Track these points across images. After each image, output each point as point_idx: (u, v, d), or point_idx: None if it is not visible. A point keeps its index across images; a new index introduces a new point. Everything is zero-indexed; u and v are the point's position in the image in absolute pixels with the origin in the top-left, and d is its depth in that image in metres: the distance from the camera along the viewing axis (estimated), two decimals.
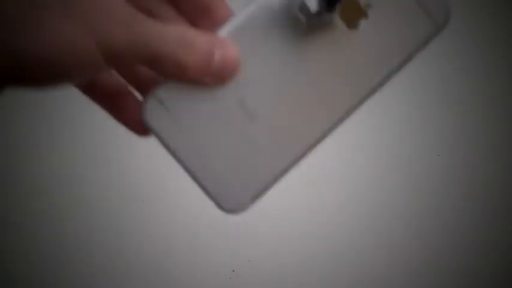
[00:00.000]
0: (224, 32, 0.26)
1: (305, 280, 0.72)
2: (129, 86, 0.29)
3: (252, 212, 0.72)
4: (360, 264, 0.73)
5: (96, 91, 0.28)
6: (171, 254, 0.71)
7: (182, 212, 0.71)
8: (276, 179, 0.28)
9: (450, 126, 0.74)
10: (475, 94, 0.74)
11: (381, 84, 0.27)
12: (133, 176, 0.71)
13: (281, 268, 0.72)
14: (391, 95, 0.73)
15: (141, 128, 0.27)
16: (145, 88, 0.28)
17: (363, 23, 0.27)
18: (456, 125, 0.74)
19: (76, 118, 0.70)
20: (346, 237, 0.72)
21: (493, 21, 0.74)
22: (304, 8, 0.26)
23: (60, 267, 0.70)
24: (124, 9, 0.23)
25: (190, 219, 0.71)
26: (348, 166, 0.73)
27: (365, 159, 0.73)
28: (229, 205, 0.28)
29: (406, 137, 0.73)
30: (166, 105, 0.26)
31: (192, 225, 0.71)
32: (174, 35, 0.24)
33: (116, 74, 0.29)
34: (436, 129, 0.74)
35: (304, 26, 0.26)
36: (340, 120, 0.27)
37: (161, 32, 0.23)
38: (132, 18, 0.23)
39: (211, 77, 0.25)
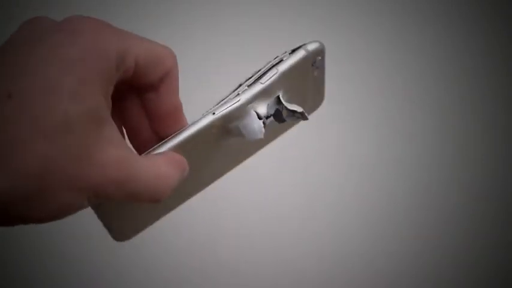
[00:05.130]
0: (175, 143, 0.29)
1: (305, 279, 0.72)
2: None
3: (253, 211, 0.72)
4: (360, 263, 0.73)
5: None
6: (171, 254, 0.71)
7: (183, 212, 0.71)
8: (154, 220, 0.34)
9: (450, 126, 0.74)
10: (475, 94, 0.74)
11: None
12: None
13: (281, 268, 0.72)
14: (391, 95, 0.73)
15: None
16: None
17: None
18: (457, 125, 0.74)
19: None
20: (346, 237, 0.73)
21: (493, 21, 0.74)
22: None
23: (59, 266, 0.70)
24: (117, 154, 0.24)
25: (190, 219, 0.71)
26: (347, 167, 0.73)
27: (364, 160, 0.73)
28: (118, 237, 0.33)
29: (406, 137, 0.74)
30: None
31: (192, 225, 0.71)
32: (153, 173, 0.26)
33: None
34: (435, 128, 0.74)
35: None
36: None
37: (143, 170, 0.26)
38: (124, 163, 0.24)
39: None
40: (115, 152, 0.24)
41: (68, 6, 0.69)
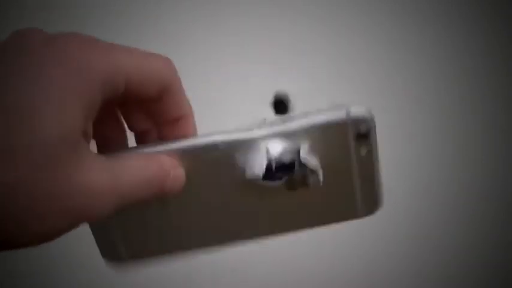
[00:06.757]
0: (181, 147, 0.27)
1: (305, 279, 0.72)
2: None
3: None
4: (360, 263, 0.73)
5: None
6: None
7: None
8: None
9: (450, 126, 0.74)
10: (475, 94, 0.74)
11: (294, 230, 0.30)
12: None
13: (281, 268, 0.72)
14: (391, 95, 0.73)
15: None
16: None
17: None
18: (457, 125, 0.74)
19: None
20: (346, 236, 0.73)
21: (493, 21, 0.74)
22: (254, 177, 0.27)
23: (59, 266, 0.70)
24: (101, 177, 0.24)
25: None
26: None
27: None
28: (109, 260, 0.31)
29: (406, 137, 0.74)
30: None
31: None
32: (142, 178, 0.26)
33: None
34: (435, 128, 0.74)
35: (245, 179, 0.27)
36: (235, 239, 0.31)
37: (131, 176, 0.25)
38: (110, 175, 0.24)
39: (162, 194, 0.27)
40: (90, 176, 0.23)
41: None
